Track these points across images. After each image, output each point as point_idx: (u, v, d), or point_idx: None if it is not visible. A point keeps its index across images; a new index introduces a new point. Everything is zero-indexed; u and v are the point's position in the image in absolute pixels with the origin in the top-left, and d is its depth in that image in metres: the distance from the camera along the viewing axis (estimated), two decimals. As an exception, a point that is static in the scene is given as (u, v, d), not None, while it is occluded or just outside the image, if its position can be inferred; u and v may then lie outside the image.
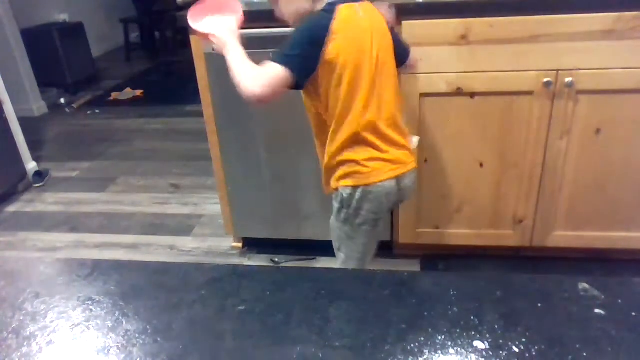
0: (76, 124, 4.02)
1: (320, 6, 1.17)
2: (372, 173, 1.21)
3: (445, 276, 0.66)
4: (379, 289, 0.62)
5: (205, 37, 1.25)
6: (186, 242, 2.32)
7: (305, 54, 1.12)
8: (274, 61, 1.11)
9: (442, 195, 1.84)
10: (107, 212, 2.63)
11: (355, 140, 1.20)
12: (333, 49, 1.12)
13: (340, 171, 1.24)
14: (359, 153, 1.21)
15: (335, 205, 1.29)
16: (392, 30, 1.27)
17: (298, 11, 1.19)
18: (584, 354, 0.50)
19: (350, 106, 1.17)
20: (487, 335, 0.53)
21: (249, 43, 1.72)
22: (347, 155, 1.21)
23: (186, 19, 1.28)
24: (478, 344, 0.52)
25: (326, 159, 1.26)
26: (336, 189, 1.27)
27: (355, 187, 1.23)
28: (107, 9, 6.17)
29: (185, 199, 2.70)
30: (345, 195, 1.24)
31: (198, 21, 1.26)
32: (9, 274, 0.69)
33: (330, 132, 1.22)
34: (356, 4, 1.18)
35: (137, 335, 0.56)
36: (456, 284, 0.61)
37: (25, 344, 0.56)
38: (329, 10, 1.14)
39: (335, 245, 1.38)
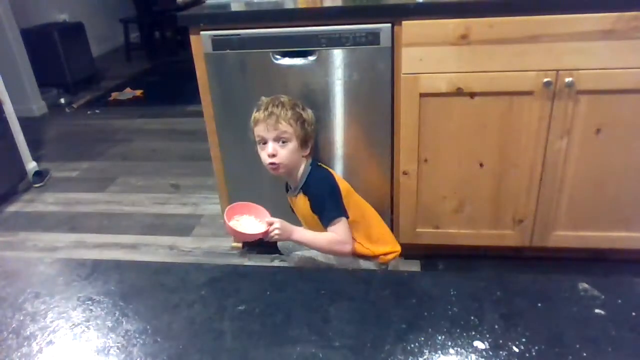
0: (76, 124, 4.02)
1: (308, 161, 1.54)
2: None
3: (445, 276, 0.66)
4: (379, 289, 0.62)
5: (256, 236, 1.41)
6: (186, 242, 2.32)
7: (341, 199, 1.49)
8: (336, 218, 1.44)
9: (442, 195, 1.84)
10: (106, 212, 2.63)
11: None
12: (342, 189, 1.51)
13: None
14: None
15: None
16: None
17: (297, 165, 1.52)
18: (584, 354, 0.50)
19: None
20: (487, 335, 0.53)
21: (249, 43, 1.73)
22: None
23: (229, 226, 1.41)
24: (478, 344, 0.52)
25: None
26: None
27: None
28: (107, 9, 6.17)
29: (185, 199, 2.70)
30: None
31: (233, 219, 1.41)
32: (9, 274, 0.69)
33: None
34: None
35: (137, 335, 0.56)
36: (456, 284, 0.61)
37: (25, 344, 0.56)
38: (317, 166, 1.56)
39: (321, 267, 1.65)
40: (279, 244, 1.81)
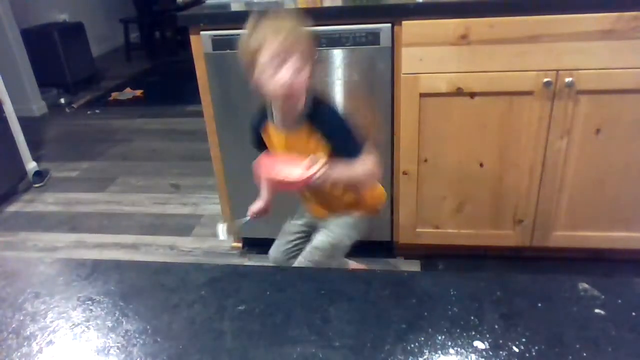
0: (76, 124, 4.02)
1: (310, 87, 1.37)
2: None
3: (445, 276, 0.66)
4: (379, 289, 0.62)
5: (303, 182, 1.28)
6: (186, 242, 2.32)
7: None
8: (361, 147, 1.36)
9: (442, 195, 1.84)
10: (106, 212, 2.63)
11: None
12: None
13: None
14: None
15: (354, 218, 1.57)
16: None
17: (303, 92, 1.35)
18: (584, 354, 0.50)
19: None
20: (487, 335, 0.53)
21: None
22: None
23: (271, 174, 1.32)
24: (478, 344, 0.52)
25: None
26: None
27: None
28: (107, 9, 6.17)
29: (185, 199, 2.70)
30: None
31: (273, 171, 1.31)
32: (9, 274, 0.69)
33: None
34: None
35: (137, 335, 0.56)
36: (456, 284, 0.61)
37: (25, 344, 0.56)
38: (319, 98, 1.40)
39: (328, 255, 1.56)
40: (270, 255, 1.77)
